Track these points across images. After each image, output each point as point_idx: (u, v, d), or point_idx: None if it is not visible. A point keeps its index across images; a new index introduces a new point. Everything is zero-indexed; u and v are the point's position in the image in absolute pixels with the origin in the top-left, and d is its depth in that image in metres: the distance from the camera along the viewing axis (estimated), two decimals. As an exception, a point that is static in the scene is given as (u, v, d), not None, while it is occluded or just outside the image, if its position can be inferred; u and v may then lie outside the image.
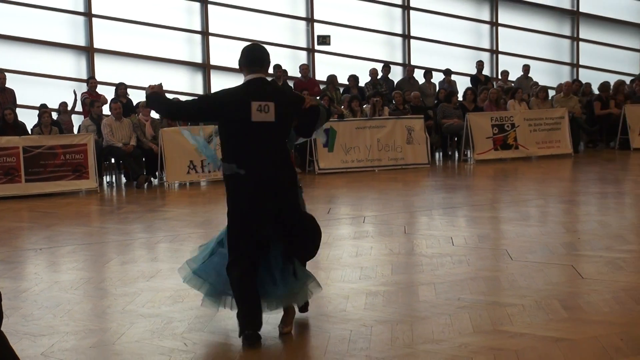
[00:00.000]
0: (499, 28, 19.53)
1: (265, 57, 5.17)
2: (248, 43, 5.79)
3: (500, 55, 19.57)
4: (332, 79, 16.52)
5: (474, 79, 17.85)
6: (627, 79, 19.32)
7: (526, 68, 18.62)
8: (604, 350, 4.65)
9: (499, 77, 18.63)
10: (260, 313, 4.96)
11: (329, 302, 5.98)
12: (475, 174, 14.40)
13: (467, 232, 8.66)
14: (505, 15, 19.71)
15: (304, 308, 5.39)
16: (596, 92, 17.96)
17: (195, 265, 5.22)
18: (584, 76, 19.95)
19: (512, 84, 18.00)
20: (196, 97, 5.75)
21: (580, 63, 20.71)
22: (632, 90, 17.91)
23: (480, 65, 18.28)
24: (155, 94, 5.25)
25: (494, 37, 19.59)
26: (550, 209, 10.44)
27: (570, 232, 8.58)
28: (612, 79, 18.78)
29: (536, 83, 18.14)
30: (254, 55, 5.14)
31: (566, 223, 9.27)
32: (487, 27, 19.60)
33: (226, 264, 4.97)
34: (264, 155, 4.99)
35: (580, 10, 20.53)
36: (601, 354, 4.63)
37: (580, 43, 20.72)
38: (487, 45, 19.58)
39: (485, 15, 19.57)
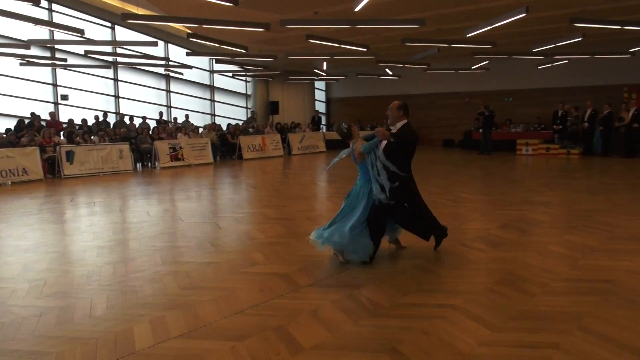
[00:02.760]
0: (171, 93, 19.98)
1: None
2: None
3: (172, 109, 19.95)
4: (70, 121, 15.96)
5: (158, 121, 18.20)
6: (240, 122, 21.09)
7: (187, 115, 19.19)
8: (233, 266, 4.98)
9: (172, 120, 18.89)
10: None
11: (76, 254, 5.67)
12: (161, 175, 13.87)
13: (158, 208, 8.55)
14: (174, 86, 20.09)
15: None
16: (225, 129, 18.88)
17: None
18: (217, 120, 21.13)
19: (180, 124, 18.19)
20: (413, 135, 5.04)
21: (216, 113, 21.72)
22: (244, 128, 19.45)
23: (160, 114, 18.72)
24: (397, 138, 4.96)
25: (169, 98, 19.94)
26: (204, 192, 10.52)
27: (214, 204, 8.92)
28: (232, 122, 20.61)
29: (192, 124, 18.67)
30: (408, 108, 5.16)
31: (212, 199, 9.54)
32: (164, 92, 19.84)
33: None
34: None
35: (215, 85, 21.66)
36: (231, 268, 4.89)
37: (215, 103, 21.79)
38: (164, 102, 19.79)
39: (163, 85, 19.76)
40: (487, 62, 19.51)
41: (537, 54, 15.76)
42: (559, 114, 17.97)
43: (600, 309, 3.83)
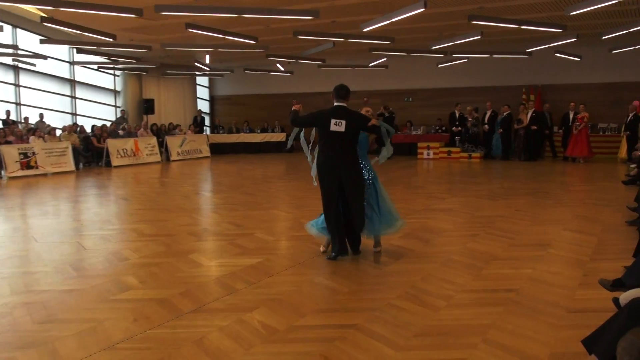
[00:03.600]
0: (21, 88, 18.77)
1: (346, 93, 5.89)
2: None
3: (22, 107, 18.80)
4: None
5: (5, 122, 17.07)
6: (107, 123, 20.33)
7: (42, 115, 18.11)
8: (100, 292, 4.86)
9: (22, 121, 17.92)
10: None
11: None
12: (8, 186, 13.07)
13: (5, 226, 8.10)
14: (25, 80, 18.86)
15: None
16: (89, 131, 18.65)
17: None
18: (80, 121, 20.18)
19: (33, 125, 17.45)
20: (310, 113, 6.05)
21: (78, 113, 20.73)
22: (112, 130, 18.88)
23: (7, 113, 17.48)
24: (294, 111, 5.90)
25: (18, 94, 18.72)
26: (63, 206, 10.19)
27: (77, 220, 8.60)
28: (98, 122, 19.79)
29: (48, 125, 17.86)
30: (339, 92, 5.88)
31: (73, 214, 9.28)
32: (12, 87, 18.51)
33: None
34: (335, 152, 5.72)
35: (76, 79, 20.58)
36: (99, 296, 4.77)
37: (77, 100, 20.75)
38: (12, 99, 18.54)
39: (11, 79, 18.44)
40: (385, 59, 20.34)
41: (436, 51, 16.69)
42: (457, 115, 19.14)
43: (504, 319, 4.12)
